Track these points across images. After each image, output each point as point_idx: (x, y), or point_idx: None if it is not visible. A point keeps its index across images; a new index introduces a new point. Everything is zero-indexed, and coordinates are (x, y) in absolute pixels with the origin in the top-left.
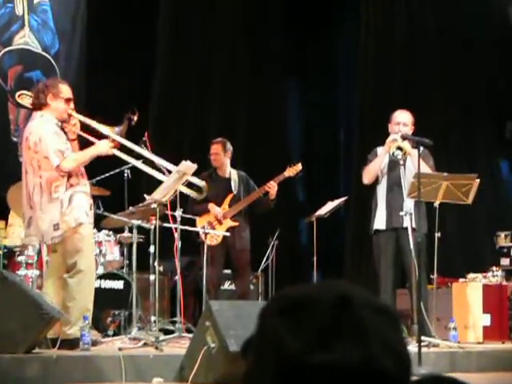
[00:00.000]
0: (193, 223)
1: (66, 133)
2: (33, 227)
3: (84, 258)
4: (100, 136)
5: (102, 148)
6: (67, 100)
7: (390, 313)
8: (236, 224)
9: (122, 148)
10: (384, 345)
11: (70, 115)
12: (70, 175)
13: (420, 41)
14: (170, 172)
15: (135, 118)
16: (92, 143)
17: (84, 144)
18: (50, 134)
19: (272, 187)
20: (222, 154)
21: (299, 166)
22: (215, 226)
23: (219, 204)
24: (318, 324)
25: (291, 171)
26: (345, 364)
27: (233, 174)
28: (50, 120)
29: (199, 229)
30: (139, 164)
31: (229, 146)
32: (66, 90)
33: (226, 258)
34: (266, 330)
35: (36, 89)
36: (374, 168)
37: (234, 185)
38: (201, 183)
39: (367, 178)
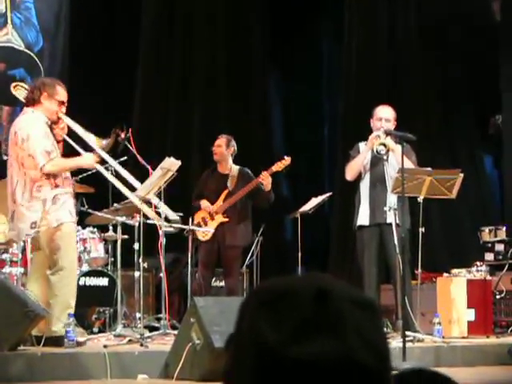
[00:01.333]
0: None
1: (53, 134)
2: (13, 222)
3: (65, 256)
4: (83, 143)
5: (87, 161)
6: (61, 103)
7: (371, 306)
8: (226, 220)
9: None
10: (363, 338)
11: (59, 118)
12: (55, 176)
13: (403, 37)
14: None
15: (123, 136)
16: (74, 150)
17: (69, 149)
18: (39, 134)
19: (265, 177)
20: (224, 148)
21: (288, 160)
22: (208, 222)
23: (214, 200)
24: (296, 316)
25: (279, 166)
26: (323, 357)
27: (233, 171)
28: (40, 118)
29: (183, 226)
30: (112, 178)
31: (233, 143)
32: (62, 93)
33: (218, 256)
34: (246, 322)
35: (33, 84)
36: (357, 165)
37: (230, 181)
38: (173, 216)
39: (350, 174)
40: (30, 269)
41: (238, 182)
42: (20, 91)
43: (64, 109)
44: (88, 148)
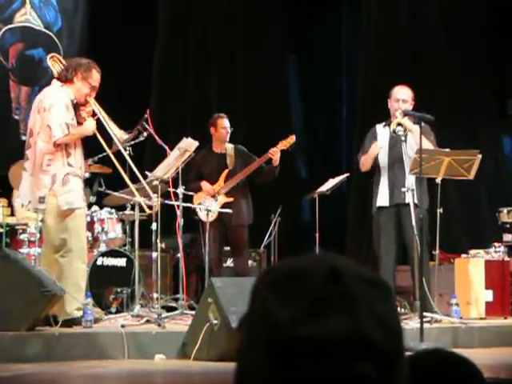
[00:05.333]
0: (190, 200)
1: (77, 115)
2: (21, 189)
3: (74, 237)
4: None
5: (89, 128)
6: (93, 87)
7: (382, 285)
8: (230, 200)
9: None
10: (375, 317)
11: (87, 102)
12: (68, 154)
13: (423, 18)
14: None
15: (145, 134)
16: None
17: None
18: (61, 105)
19: (275, 153)
20: (229, 128)
21: (293, 139)
22: (211, 203)
23: (215, 180)
24: (307, 296)
25: (284, 144)
26: (334, 336)
27: (229, 150)
28: (67, 91)
29: (202, 206)
30: (110, 154)
31: None
32: (96, 78)
33: (225, 234)
34: (257, 303)
35: (69, 62)
36: (370, 158)
37: (229, 160)
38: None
39: (364, 167)
40: (43, 248)
41: (236, 160)
42: (55, 63)
43: (94, 94)
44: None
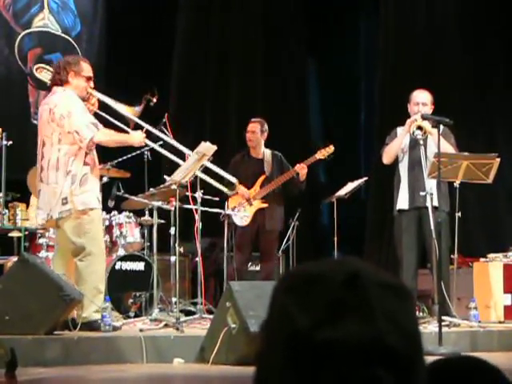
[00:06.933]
0: (209, 205)
1: None
2: (41, 200)
3: (93, 241)
4: (117, 115)
5: (136, 139)
6: (88, 78)
7: (401, 289)
8: (265, 205)
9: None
10: (392, 322)
11: (89, 95)
12: (86, 153)
13: (440, 21)
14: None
15: (154, 100)
16: (110, 122)
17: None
18: (79, 108)
19: (301, 169)
20: (258, 133)
21: (331, 148)
22: (245, 207)
23: (251, 185)
24: (325, 300)
25: (323, 153)
26: (352, 341)
27: (266, 155)
28: (74, 95)
29: (218, 210)
30: (161, 149)
31: (266, 127)
32: (87, 68)
33: (254, 241)
34: (275, 308)
35: (57, 65)
36: (394, 148)
37: (266, 166)
38: (233, 179)
39: (387, 158)
40: (56, 253)
41: (273, 166)
42: (44, 73)
43: (92, 84)
44: (120, 117)
